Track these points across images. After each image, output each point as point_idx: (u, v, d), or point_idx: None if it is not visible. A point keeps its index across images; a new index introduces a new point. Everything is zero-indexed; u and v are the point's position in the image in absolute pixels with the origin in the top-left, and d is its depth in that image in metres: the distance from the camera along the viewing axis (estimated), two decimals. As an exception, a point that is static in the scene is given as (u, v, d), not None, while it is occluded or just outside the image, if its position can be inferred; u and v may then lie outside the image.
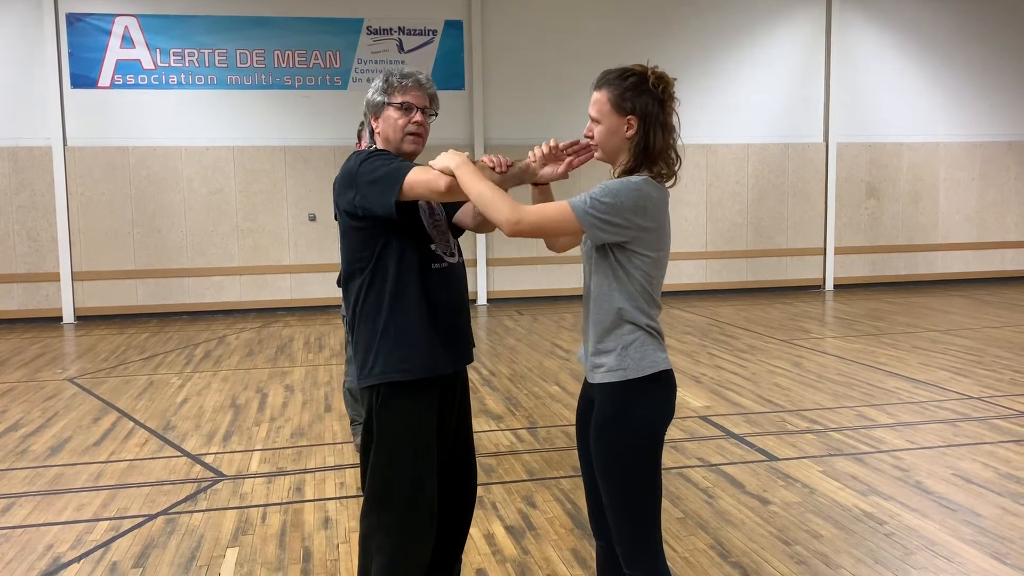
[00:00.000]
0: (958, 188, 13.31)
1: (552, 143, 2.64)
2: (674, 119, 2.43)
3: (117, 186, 10.84)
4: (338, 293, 3.29)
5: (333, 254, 6.39)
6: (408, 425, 2.68)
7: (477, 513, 3.79)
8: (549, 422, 5.91)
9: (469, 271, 11.31)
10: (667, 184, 2.45)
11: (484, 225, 2.85)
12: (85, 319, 10.83)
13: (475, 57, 11.63)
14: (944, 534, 3.88)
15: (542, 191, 2.70)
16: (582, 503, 3.67)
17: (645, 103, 2.37)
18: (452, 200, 2.60)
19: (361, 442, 2.90)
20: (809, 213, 12.86)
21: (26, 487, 4.77)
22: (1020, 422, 5.67)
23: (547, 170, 2.66)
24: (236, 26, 11.05)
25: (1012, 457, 4.95)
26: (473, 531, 3.86)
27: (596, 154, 2.51)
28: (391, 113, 2.74)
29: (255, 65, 11.14)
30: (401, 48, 11.44)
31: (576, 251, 2.67)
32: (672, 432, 5.28)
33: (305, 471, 4.97)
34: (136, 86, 10.84)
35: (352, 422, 5.08)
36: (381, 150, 2.75)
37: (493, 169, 2.59)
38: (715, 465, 4.91)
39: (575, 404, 2.68)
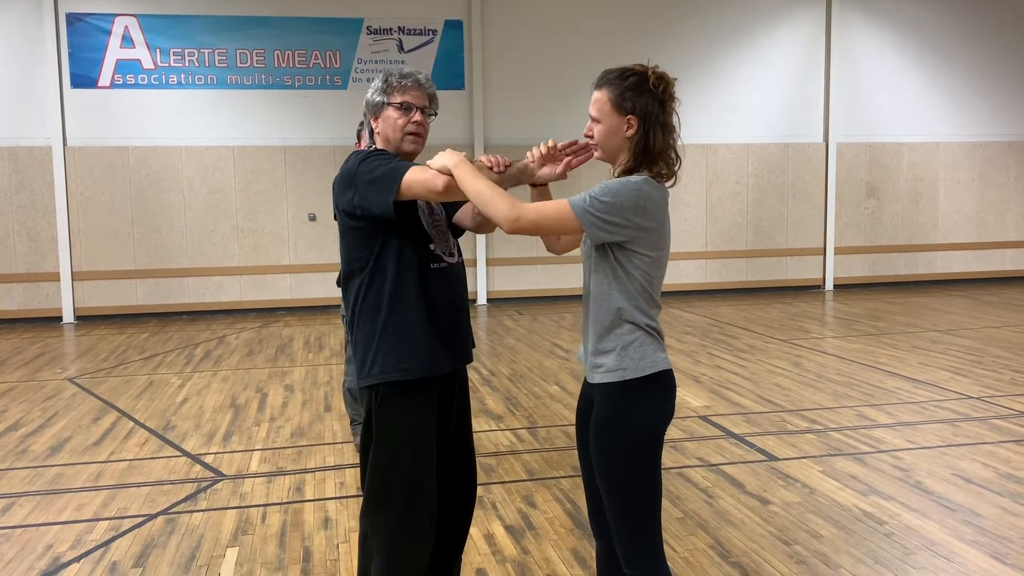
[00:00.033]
0: (958, 188, 13.31)
1: (550, 143, 2.64)
2: (674, 119, 2.43)
3: (117, 186, 10.84)
4: (338, 293, 3.29)
5: (333, 254, 6.39)
6: (407, 425, 2.68)
7: (477, 513, 3.79)
8: (549, 422, 5.91)
9: (469, 271, 11.35)
10: (667, 184, 2.45)
11: (484, 225, 2.85)
12: (85, 319, 10.83)
13: (475, 57, 11.63)
14: (944, 534, 3.88)
15: (540, 192, 2.70)
16: (582, 503, 3.67)
17: (645, 103, 2.37)
18: (451, 200, 2.60)
19: (361, 442, 2.90)
20: (809, 213, 12.86)
21: (26, 487, 4.77)
22: (1020, 422, 5.67)
23: (545, 171, 2.66)
24: (236, 26, 11.05)
25: (1012, 457, 4.95)
26: (473, 531, 3.86)
27: (596, 154, 2.51)
28: (390, 113, 2.75)
29: (255, 65, 11.14)
30: (401, 48, 11.44)
31: (576, 251, 2.67)
32: (672, 432, 5.28)
33: (305, 471, 4.97)
34: (136, 86, 10.85)
35: (352, 422, 5.08)
36: (380, 150, 2.75)
37: (491, 169, 2.59)
38: (715, 465, 4.91)
39: (575, 404, 2.68)
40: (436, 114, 2.84)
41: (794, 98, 12.72)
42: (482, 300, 11.85)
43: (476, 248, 11.63)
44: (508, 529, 4.04)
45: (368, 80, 10.69)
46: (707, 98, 12.18)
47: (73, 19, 10.65)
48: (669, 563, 2.53)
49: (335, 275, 3.29)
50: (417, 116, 2.75)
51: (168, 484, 4.78)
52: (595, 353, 2.43)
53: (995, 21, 13.15)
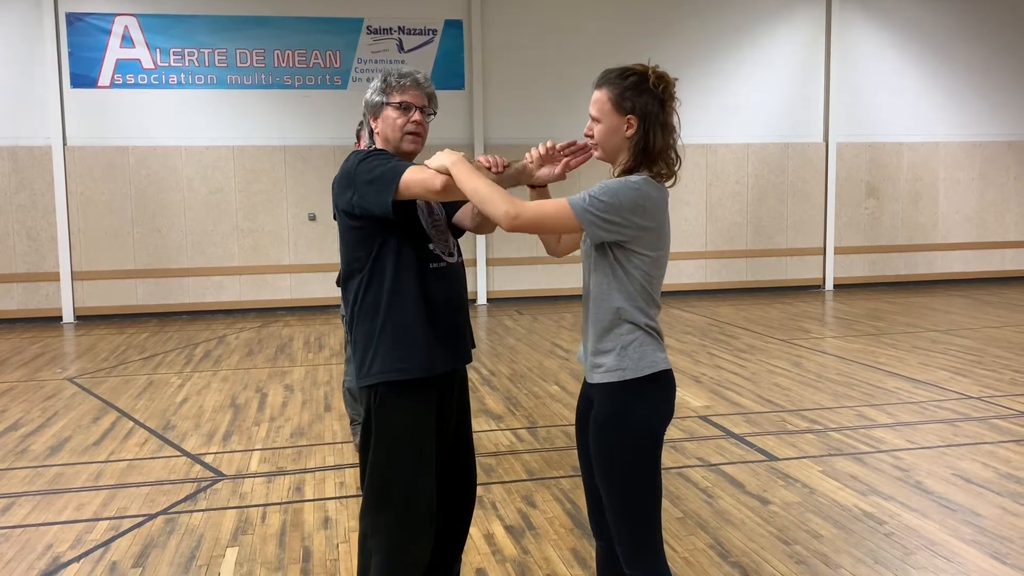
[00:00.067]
0: (958, 188, 13.31)
1: (549, 144, 2.64)
2: (674, 119, 2.43)
3: (117, 186, 10.84)
4: (338, 293, 3.29)
5: (333, 254, 6.39)
6: (406, 424, 2.68)
7: (477, 513, 3.79)
8: (549, 422, 5.91)
9: (469, 271, 11.35)
10: (667, 184, 2.45)
11: (484, 225, 2.85)
12: (85, 319, 10.83)
13: (475, 57, 11.63)
14: (944, 534, 3.88)
15: (539, 193, 2.70)
16: (582, 503, 3.67)
17: (645, 103, 2.37)
18: (449, 199, 2.60)
19: (360, 441, 2.90)
20: (809, 213, 12.86)
21: (26, 487, 4.77)
22: (1020, 422, 5.67)
23: (544, 171, 2.66)
24: (236, 26, 11.05)
25: (1012, 457, 4.95)
26: (473, 531, 3.86)
27: (596, 153, 2.51)
28: (390, 113, 2.75)
29: (255, 65, 11.14)
30: (401, 48, 11.44)
31: (576, 252, 2.67)
32: (672, 432, 5.28)
33: (305, 471, 4.97)
34: (136, 86, 10.84)
35: (352, 422, 5.08)
36: (380, 150, 2.75)
37: (489, 169, 2.59)
38: (715, 465, 4.91)
39: (575, 404, 2.68)
40: (435, 114, 2.84)
41: (794, 98, 12.72)
42: (482, 300, 11.85)
43: (476, 248, 11.62)
44: (508, 529, 4.04)
45: (368, 80, 10.70)
46: (707, 98, 12.18)
47: (73, 19, 10.65)
48: (669, 563, 2.53)
49: (335, 275, 3.29)
50: (416, 116, 2.75)
51: (168, 484, 4.78)
52: (595, 353, 2.43)
53: (995, 21, 13.15)
